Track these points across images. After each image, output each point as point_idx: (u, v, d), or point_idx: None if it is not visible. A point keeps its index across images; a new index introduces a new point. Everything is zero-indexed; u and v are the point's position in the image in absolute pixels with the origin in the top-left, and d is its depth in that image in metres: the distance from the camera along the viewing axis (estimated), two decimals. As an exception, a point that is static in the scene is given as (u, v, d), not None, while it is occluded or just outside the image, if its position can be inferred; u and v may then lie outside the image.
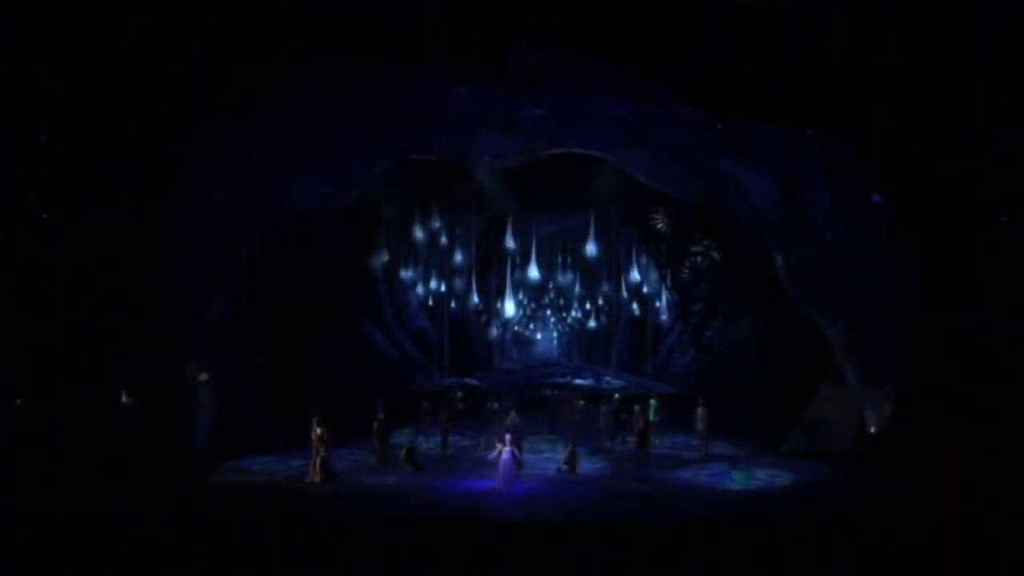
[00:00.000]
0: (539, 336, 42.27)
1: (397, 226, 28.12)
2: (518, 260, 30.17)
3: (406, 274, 29.96)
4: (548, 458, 18.87)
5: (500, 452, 15.75)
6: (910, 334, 17.23)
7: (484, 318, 34.44)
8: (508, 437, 16.07)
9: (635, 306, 33.76)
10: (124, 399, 17.36)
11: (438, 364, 29.96)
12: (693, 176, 18.75)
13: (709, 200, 19.20)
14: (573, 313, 37.18)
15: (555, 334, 41.81)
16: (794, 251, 18.32)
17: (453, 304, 31.81)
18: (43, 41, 17.20)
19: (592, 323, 36.19)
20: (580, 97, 18.70)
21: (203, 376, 18.37)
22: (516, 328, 39.86)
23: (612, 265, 31.85)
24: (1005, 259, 17.69)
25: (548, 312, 39.95)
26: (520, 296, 33.54)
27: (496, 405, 21.78)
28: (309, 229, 20.40)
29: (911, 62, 18.16)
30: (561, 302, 37.70)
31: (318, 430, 16.45)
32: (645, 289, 31.46)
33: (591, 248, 27.29)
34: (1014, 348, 17.01)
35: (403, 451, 17.91)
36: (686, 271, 27.55)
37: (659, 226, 26.77)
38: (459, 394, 25.31)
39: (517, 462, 16.33)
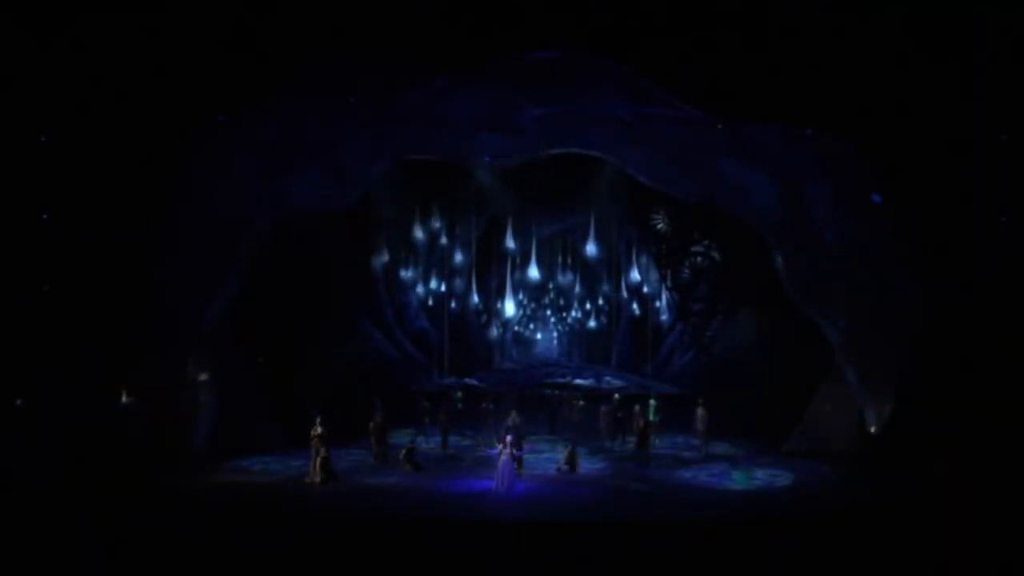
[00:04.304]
0: (539, 336, 42.23)
1: (397, 226, 28.12)
2: (518, 260, 30.19)
3: (406, 274, 29.95)
4: (548, 458, 18.85)
5: (501, 451, 15.71)
6: (910, 334, 17.23)
7: (484, 318, 34.43)
8: (509, 439, 16.04)
9: (635, 306, 33.75)
10: (124, 399, 17.37)
11: (438, 364, 29.93)
12: (693, 176, 18.76)
13: (709, 200, 19.21)
14: (573, 313, 37.18)
15: (555, 334, 41.78)
16: (794, 251, 18.31)
17: (453, 304, 31.79)
18: (44, 41, 17.24)
19: (592, 323, 36.20)
20: (580, 97, 18.72)
21: (203, 376, 18.36)
22: (516, 328, 39.82)
23: (612, 265, 31.86)
24: (1005, 259, 17.72)
25: (548, 312, 39.95)
26: (520, 296, 33.54)
27: (491, 405, 21.74)
28: (309, 229, 20.40)
29: (911, 62, 18.21)
30: (561, 302, 37.71)
31: (319, 430, 16.44)
32: (645, 289, 31.47)
33: (591, 248, 27.33)
34: (1014, 348, 17.03)
35: (403, 451, 17.88)
36: (686, 271, 27.49)
37: (659, 226, 26.74)
38: (459, 394, 25.28)
39: (518, 461, 16.32)
